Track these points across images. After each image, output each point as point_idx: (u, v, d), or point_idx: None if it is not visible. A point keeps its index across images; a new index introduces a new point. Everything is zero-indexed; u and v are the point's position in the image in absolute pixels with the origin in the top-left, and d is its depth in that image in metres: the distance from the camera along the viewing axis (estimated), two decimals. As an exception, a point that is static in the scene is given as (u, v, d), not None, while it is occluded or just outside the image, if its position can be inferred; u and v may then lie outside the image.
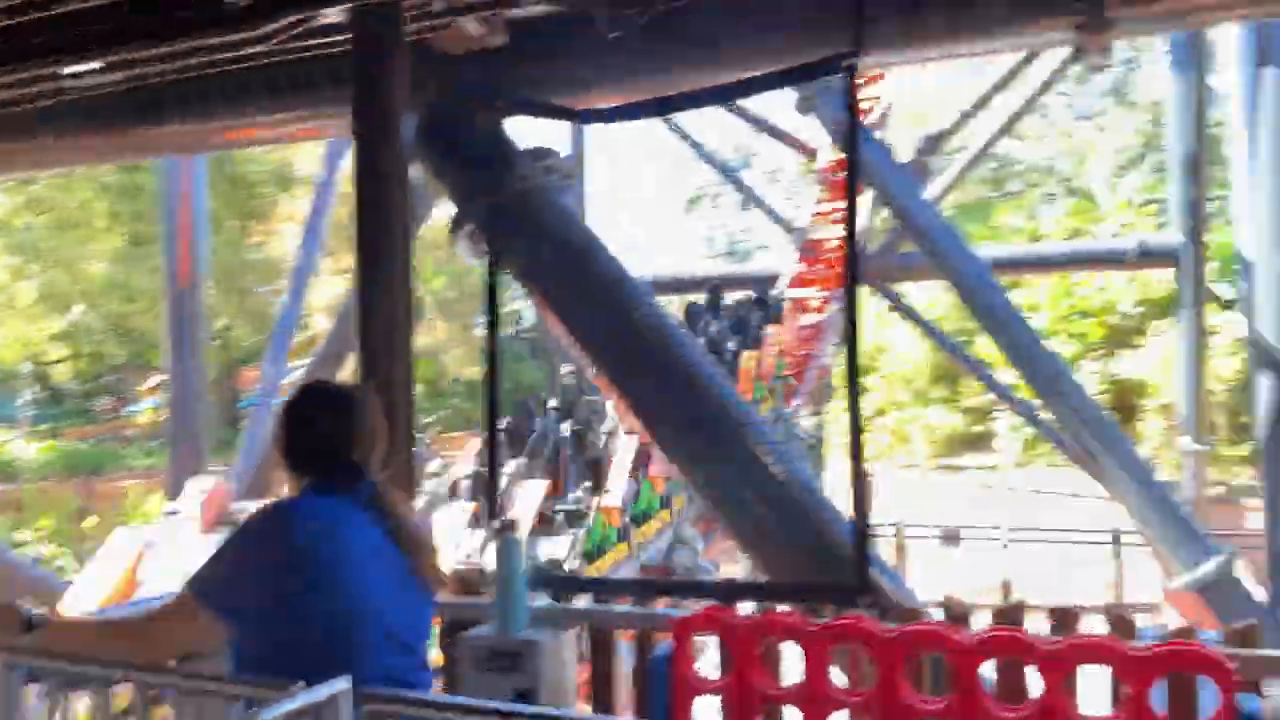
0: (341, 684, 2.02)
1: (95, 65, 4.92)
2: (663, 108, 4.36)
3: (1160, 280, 19.96)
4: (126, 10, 4.31)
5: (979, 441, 24.19)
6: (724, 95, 4.28)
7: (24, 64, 4.79)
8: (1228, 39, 10.14)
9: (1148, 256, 15.31)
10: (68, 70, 4.98)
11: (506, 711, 2.17)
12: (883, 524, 18.22)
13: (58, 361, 31.30)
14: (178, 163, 11.94)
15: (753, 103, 18.49)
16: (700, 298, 13.77)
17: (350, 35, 4.32)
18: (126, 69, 5.02)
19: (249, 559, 2.37)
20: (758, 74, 4.18)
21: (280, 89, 5.88)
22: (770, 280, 17.17)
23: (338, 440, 2.58)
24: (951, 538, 17.01)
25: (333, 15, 4.43)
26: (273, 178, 22.99)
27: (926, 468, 23.56)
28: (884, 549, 16.78)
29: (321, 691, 2.01)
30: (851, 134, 3.81)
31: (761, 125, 18.96)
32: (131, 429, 29.18)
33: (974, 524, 18.51)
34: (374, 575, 2.40)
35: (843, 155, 4.04)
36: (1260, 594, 9.70)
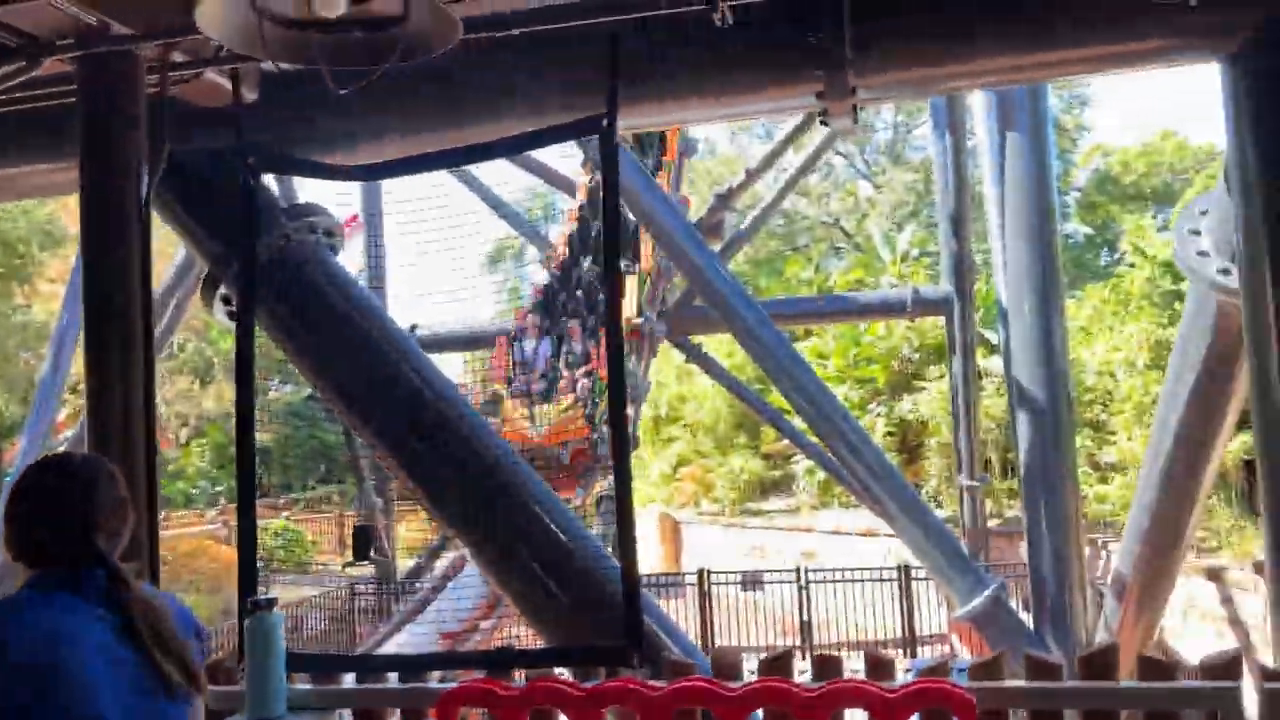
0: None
1: None
2: (423, 165, 4.28)
3: (936, 327, 21.33)
4: None
5: (780, 486, 24.96)
6: (484, 153, 4.25)
7: None
8: (979, 105, 10.98)
9: (922, 306, 16.33)
10: None
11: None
12: (689, 573, 18.49)
13: None
14: (-85, 220, 10.87)
15: (553, 161, 18.74)
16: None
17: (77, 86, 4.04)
18: None
19: None
20: (517, 133, 4.18)
21: (15, 140, 5.43)
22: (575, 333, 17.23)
23: (64, 525, 2.30)
24: (753, 583, 17.38)
25: (61, 65, 4.14)
26: (36, 236, 21.31)
27: (730, 514, 24.07)
28: (690, 596, 16.99)
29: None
30: (608, 190, 3.85)
31: (560, 182, 19.17)
32: None
33: (775, 567, 19.03)
34: (106, 683, 2.15)
35: (619, 210, 4.12)
36: (1029, 620, 10.33)
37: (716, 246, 16.39)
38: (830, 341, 24.39)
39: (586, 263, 15.20)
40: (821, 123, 4.64)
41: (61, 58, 4.04)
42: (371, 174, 4.54)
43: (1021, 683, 3.35)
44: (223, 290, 4.96)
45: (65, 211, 23.48)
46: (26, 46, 4.02)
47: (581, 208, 17.28)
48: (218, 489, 28.64)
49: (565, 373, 13.45)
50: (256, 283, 4.43)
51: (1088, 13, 4.43)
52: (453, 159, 4.48)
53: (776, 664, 3.64)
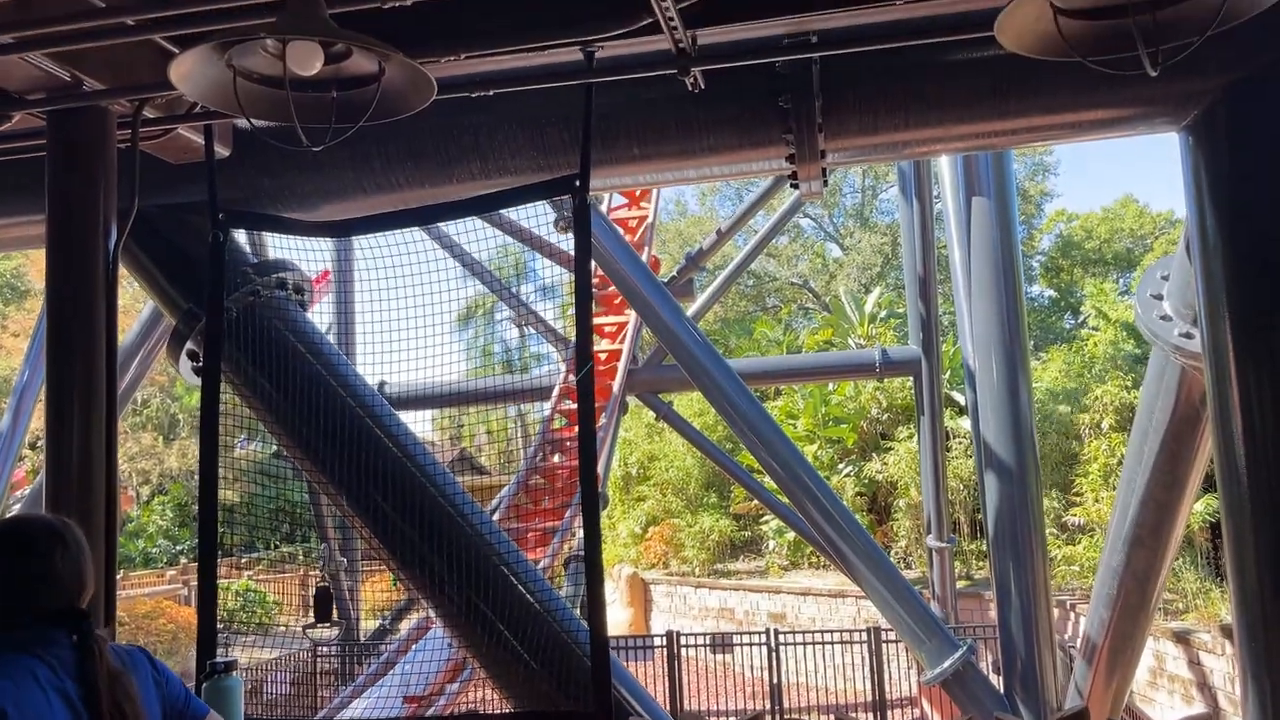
0: None
1: None
2: (393, 222, 4.30)
3: (904, 388, 21.49)
4: None
5: (749, 546, 24.85)
6: (457, 211, 4.27)
7: None
8: (945, 171, 11.17)
9: (890, 366, 16.43)
10: None
11: None
12: (657, 635, 18.28)
13: None
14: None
15: (526, 221, 18.84)
16: (481, 411, 13.68)
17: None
18: None
19: None
20: (492, 191, 4.21)
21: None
22: (544, 392, 17.23)
23: (19, 586, 2.26)
24: (722, 645, 17.19)
25: (31, 119, 4.12)
26: (1, 290, 21.09)
27: (700, 574, 23.89)
28: (659, 658, 16.77)
29: None
30: (579, 248, 3.87)
31: (534, 242, 19.25)
32: None
33: (745, 629, 18.87)
34: None
35: (590, 269, 4.15)
36: (998, 683, 10.27)
37: (690, 308, 16.50)
38: (799, 401, 24.50)
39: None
40: (791, 185, 4.71)
41: (32, 112, 4.03)
42: (340, 230, 4.54)
43: (994, 748, 3.32)
44: (189, 346, 4.91)
45: (31, 265, 23.28)
46: (-3, 100, 4.01)
47: None
48: (178, 548, 28.07)
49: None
50: (224, 338, 4.40)
51: (1049, 83, 4.55)
52: (423, 217, 4.49)
53: (747, 729, 3.60)
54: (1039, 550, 9.81)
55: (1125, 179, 58.16)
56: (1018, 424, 9.83)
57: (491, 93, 4.06)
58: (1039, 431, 12.75)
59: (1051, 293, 35.33)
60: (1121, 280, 31.34)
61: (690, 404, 24.19)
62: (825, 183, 4.91)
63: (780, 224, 21.66)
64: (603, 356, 17.36)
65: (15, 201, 5.37)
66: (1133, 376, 18.92)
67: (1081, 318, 29.58)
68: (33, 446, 22.33)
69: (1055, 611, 11.74)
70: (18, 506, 14.90)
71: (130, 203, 4.10)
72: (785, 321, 33.16)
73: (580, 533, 13.62)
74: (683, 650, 16.76)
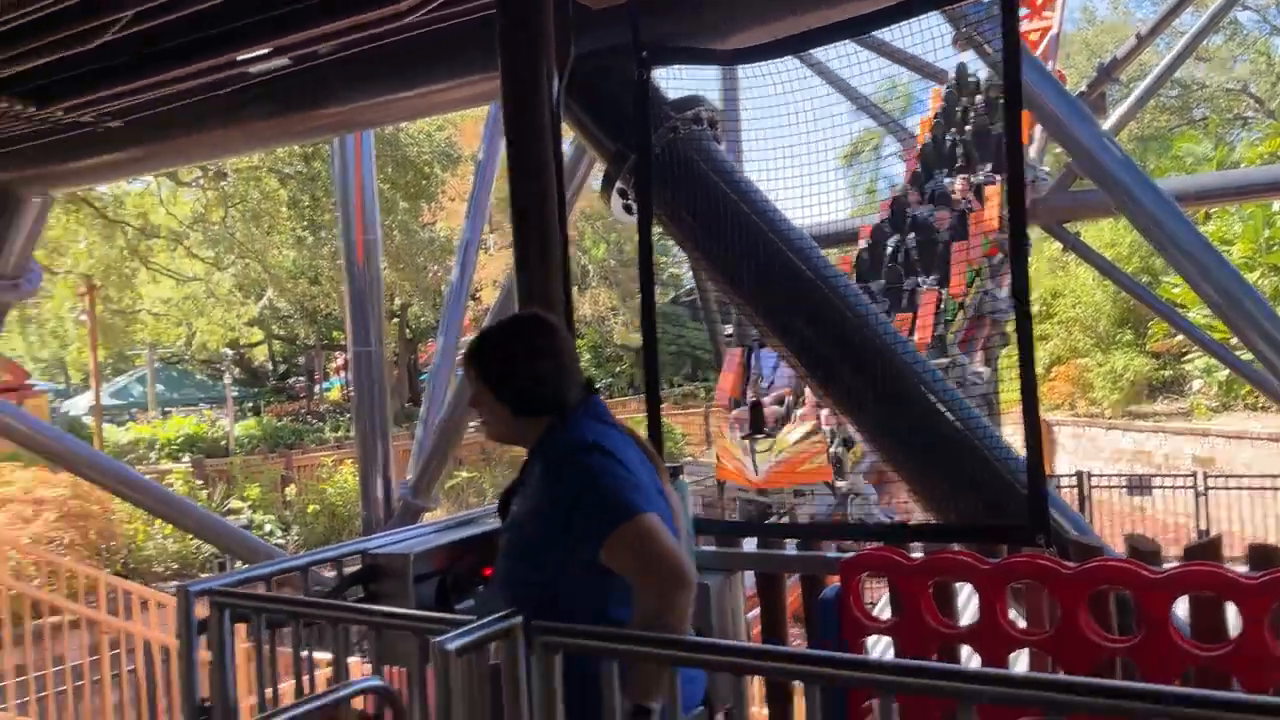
0: (515, 618, 2.10)
1: (264, 50, 5.18)
2: (803, 44, 4.25)
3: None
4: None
5: (1170, 387, 22.78)
6: (867, 25, 4.12)
7: (200, 55, 5.09)
8: None
9: (1360, 177, 13.94)
10: (240, 58, 5.26)
11: (683, 642, 2.18)
12: (1065, 475, 17.46)
13: (255, 345, 33.56)
14: (350, 148, 12.41)
15: (910, 46, 17.86)
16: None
17: (494, -1, 4.37)
18: (293, 51, 5.30)
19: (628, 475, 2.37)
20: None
21: (438, 58, 6.01)
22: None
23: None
24: (1140, 487, 16.10)
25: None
26: (438, 157, 23.74)
27: (1112, 416, 22.35)
28: (1067, 501, 16.10)
29: (499, 624, 2.09)
30: (1010, 60, 3.58)
31: (921, 68, 18.25)
32: (324, 405, 31.05)
33: (1165, 472, 17.49)
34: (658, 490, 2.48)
35: (1020, 61, 3.77)
36: None
37: (1103, 126, 14.92)
38: (1236, 225, 21.60)
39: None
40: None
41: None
42: (750, 56, 4.52)
43: None
44: (619, 185, 5.26)
45: (460, 133, 25.92)
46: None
47: (937, 115, 16.50)
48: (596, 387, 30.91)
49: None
50: (652, 175, 4.67)
51: None
52: (833, 34, 4.37)
53: (1205, 550, 3.37)
54: None
55: None
56: None
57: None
58: None
59: None
60: None
61: (1100, 234, 22.20)
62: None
63: (1215, 21, 18.71)
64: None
65: (454, 63, 5.95)
66: None
67: None
68: (473, 297, 25.31)
69: None
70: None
71: (566, 52, 4.40)
72: (1217, 134, 28.97)
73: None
74: (1094, 492, 15.95)
